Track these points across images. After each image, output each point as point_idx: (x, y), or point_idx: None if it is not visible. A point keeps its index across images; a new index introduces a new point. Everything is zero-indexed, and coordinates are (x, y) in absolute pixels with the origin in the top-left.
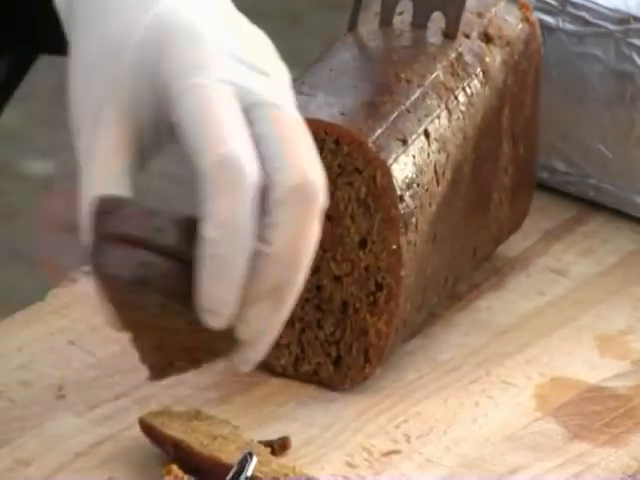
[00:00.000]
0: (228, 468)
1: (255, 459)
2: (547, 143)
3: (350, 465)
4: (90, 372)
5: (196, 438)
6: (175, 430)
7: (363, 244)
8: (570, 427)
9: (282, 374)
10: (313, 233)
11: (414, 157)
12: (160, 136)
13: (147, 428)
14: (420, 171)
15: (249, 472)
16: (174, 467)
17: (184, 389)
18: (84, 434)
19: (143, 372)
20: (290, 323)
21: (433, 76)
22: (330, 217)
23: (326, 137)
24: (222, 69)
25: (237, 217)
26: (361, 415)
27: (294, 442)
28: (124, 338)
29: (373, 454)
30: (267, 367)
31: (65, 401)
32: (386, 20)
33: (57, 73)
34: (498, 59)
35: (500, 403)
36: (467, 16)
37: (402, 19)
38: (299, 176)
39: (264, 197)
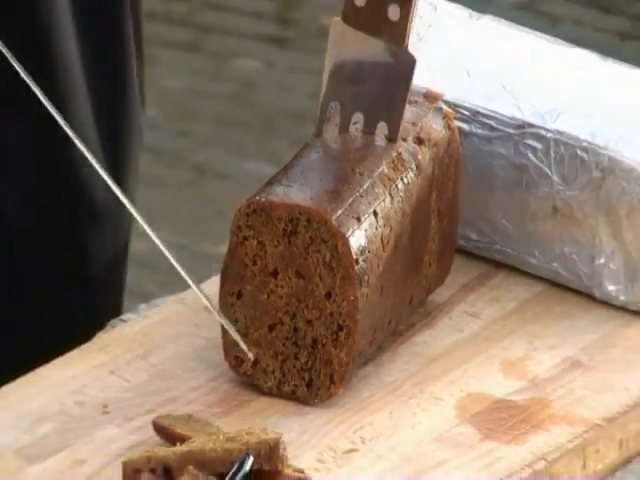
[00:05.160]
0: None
1: (251, 458)
2: (464, 218)
3: (320, 461)
4: (127, 394)
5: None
6: (181, 429)
7: (328, 296)
8: (482, 430)
9: (269, 393)
10: None
11: (366, 231)
12: None
13: (159, 428)
14: (370, 241)
15: (247, 468)
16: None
17: (197, 406)
18: (123, 440)
19: (166, 392)
20: (274, 356)
21: (379, 170)
22: (303, 276)
23: (300, 216)
24: None
25: None
26: (328, 424)
27: None
28: (151, 366)
29: (337, 452)
30: (257, 388)
31: (109, 416)
32: (344, 128)
33: None
34: (428, 156)
35: (431, 413)
36: (404, 125)
37: (356, 127)
38: None
39: None
